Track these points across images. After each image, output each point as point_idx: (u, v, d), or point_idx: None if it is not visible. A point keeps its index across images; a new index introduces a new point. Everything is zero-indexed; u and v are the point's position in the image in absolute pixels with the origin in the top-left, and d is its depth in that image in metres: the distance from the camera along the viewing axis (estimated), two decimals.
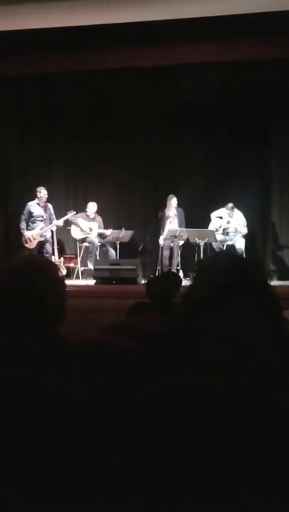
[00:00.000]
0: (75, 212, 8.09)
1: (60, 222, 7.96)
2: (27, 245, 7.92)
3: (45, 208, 7.98)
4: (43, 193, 7.94)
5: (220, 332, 1.14)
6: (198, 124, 8.18)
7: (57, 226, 7.96)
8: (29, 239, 7.89)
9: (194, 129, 8.28)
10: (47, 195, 8.00)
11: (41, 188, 7.98)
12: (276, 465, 1.04)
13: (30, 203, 7.96)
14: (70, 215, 8.02)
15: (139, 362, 1.46)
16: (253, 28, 6.27)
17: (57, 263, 7.85)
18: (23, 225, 7.91)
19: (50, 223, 7.93)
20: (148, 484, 1.09)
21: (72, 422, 1.17)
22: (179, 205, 8.05)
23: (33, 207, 7.94)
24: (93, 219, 8.25)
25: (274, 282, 7.26)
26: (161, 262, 7.96)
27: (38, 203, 7.95)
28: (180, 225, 7.96)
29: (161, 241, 7.97)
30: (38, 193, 7.95)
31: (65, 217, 8.01)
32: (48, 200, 8.09)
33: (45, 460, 1.18)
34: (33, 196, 8.04)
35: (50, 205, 8.03)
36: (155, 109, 8.15)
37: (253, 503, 1.04)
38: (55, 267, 1.59)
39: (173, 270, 7.50)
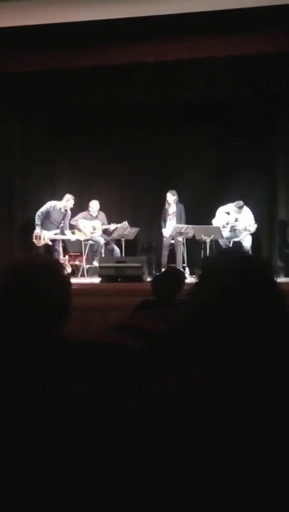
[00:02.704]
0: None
1: (70, 235, 8.07)
2: (35, 241, 7.98)
3: (64, 216, 8.05)
4: (70, 202, 8.01)
5: (226, 330, 1.14)
6: (204, 119, 8.15)
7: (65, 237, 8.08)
8: (40, 237, 7.93)
9: (199, 125, 8.25)
10: (72, 206, 8.05)
11: (70, 196, 8.05)
12: (279, 464, 1.03)
13: (52, 204, 8.01)
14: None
15: (143, 361, 1.46)
16: (259, 22, 6.23)
17: (62, 261, 7.89)
18: (38, 220, 7.95)
19: (62, 230, 8.03)
20: (150, 483, 1.09)
21: (75, 423, 1.17)
22: (180, 201, 8.10)
23: (54, 210, 7.98)
24: (96, 217, 8.27)
25: (281, 279, 7.25)
26: (163, 260, 8.04)
27: (60, 208, 8.01)
28: (178, 222, 7.98)
29: (166, 234, 7.96)
30: (65, 199, 8.02)
31: (77, 236, 8.09)
32: (52, 198, 8.17)
33: (49, 459, 1.18)
34: (43, 196, 8.23)
35: (69, 214, 8.10)
36: (159, 105, 8.14)
37: (255, 502, 1.04)
38: (61, 266, 1.61)
39: (177, 267, 7.50)
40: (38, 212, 7.96)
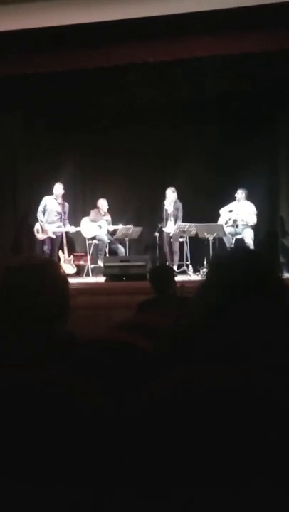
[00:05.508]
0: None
1: (70, 228, 8.09)
2: (37, 235, 8.00)
3: (63, 206, 8.08)
4: (59, 189, 8.06)
5: (231, 329, 1.15)
6: (206, 118, 8.16)
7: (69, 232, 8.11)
8: (42, 230, 7.94)
9: (201, 123, 8.26)
10: (63, 192, 8.09)
11: (57, 183, 8.10)
12: (279, 464, 1.04)
13: (46, 198, 8.07)
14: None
15: (148, 359, 1.46)
16: (259, 20, 6.22)
17: (67, 261, 7.94)
18: (40, 216, 8.00)
19: (64, 223, 8.02)
20: (150, 483, 1.09)
21: (75, 421, 1.16)
22: (179, 198, 8.12)
23: (50, 203, 8.04)
24: (104, 215, 8.28)
25: (285, 275, 7.26)
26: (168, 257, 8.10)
27: (55, 198, 8.07)
28: (176, 222, 7.99)
29: (171, 230, 8.00)
30: (55, 189, 8.08)
31: (78, 228, 8.13)
32: None
33: (48, 457, 1.17)
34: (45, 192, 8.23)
35: (67, 205, 8.13)
36: (163, 103, 8.15)
37: (255, 501, 1.04)
38: (56, 265, 1.60)
39: (170, 263, 7.64)
40: (39, 210, 8.01)
